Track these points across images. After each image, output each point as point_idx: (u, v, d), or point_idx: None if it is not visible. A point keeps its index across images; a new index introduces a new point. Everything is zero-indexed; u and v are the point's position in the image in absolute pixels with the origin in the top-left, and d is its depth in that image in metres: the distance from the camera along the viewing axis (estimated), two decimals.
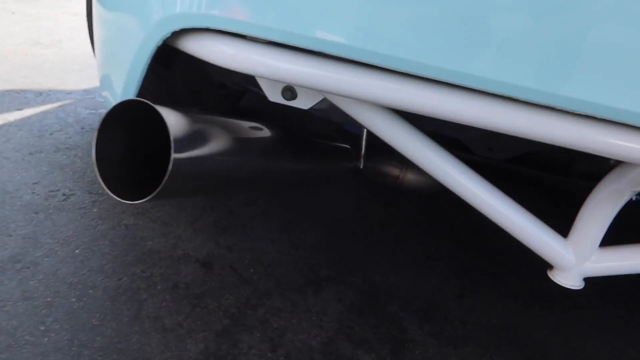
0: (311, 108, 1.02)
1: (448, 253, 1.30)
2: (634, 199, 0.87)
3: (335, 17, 0.69)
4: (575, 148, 0.69)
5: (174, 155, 0.66)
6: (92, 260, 1.01)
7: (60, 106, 1.72)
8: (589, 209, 0.87)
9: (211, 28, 0.79)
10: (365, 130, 1.27)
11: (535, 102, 0.62)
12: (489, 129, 0.68)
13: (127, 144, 0.75)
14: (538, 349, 1.01)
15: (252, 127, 0.90)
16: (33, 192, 1.19)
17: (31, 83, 1.87)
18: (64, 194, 1.21)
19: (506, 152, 0.96)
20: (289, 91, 1.00)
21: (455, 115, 0.69)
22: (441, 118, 0.71)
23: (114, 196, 0.68)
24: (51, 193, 1.20)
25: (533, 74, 0.62)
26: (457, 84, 0.66)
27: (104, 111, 1.69)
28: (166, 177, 0.66)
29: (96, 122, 1.64)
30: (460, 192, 0.91)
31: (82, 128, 1.58)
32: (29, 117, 1.58)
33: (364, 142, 1.30)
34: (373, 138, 1.72)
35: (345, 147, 1.29)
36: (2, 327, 0.82)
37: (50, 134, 1.50)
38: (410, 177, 1.49)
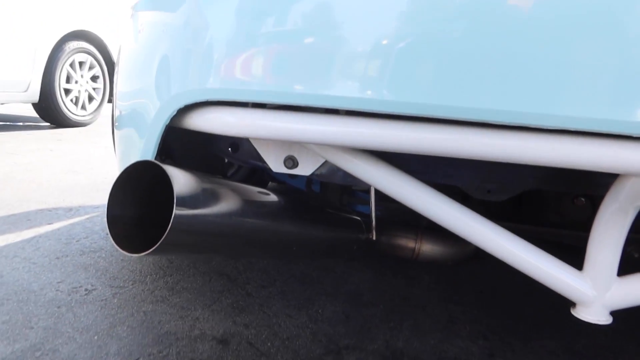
0: (313, 174, 1.08)
1: (473, 317, 1.25)
2: None
3: (343, 74, 0.76)
4: (564, 166, 0.71)
5: (176, 210, 0.71)
6: (109, 344, 1.01)
7: (88, 218, 1.82)
8: (597, 235, 0.86)
9: (210, 101, 0.88)
10: (373, 201, 1.30)
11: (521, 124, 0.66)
12: (484, 158, 0.71)
13: (139, 205, 0.80)
14: None
15: (257, 192, 0.95)
16: (57, 290, 1.23)
17: (62, 202, 2.00)
18: (86, 290, 1.24)
19: (504, 193, 0.97)
20: (291, 160, 1.06)
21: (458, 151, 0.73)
22: (445, 155, 0.74)
23: (118, 248, 0.72)
24: (74, 289, 1.24)
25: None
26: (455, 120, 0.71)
27: None
28: (168, 230, 0.70)
29: None
30: (470, 236, 0.92)
31: (107, 234, 1.65)
32: (58, 229, 1.67)
33: (373, 213, 1.32)
34: (386, 214, 1.75)
35: (356, 219, 1.32)
36: None
37: (77, 241, 1.57)
38: (426, 248, 1.48)
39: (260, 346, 1.05)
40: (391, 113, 0.74)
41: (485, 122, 0.69)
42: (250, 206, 0.89)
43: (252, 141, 1.08)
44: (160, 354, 0.99)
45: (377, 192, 1.49)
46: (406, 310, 1.26)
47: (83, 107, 4.39)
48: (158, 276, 1.35)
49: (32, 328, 1.05)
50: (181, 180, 0.75)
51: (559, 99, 0.65)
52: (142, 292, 1.25)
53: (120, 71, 1.21)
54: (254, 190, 0.93)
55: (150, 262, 1.45)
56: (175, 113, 0.90)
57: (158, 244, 0.71)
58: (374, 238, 1.36)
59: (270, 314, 1.19)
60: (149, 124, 0.96)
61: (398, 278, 1.45)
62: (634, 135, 0.67)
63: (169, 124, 0.93)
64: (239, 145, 1.09)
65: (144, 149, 0.99)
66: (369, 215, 1.40)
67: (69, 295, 1.21)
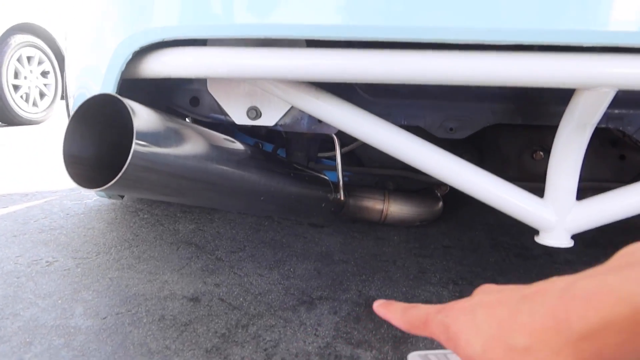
0: (277, 124, 1.07)
1: (443, 267, 1.27)
2: None
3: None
4: (526, 85, 0.72)
5: (135, 145, 0.69)
6: (74, 307, 0.98)
7: (46, 201, 1.75)
8: (555, 160, 0.88)
9: (167, 40, 0.86)
10: (339, 157, 1.30)
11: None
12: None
13: (98, 145, 0.77)
14: None
15: (224, 138, 0.93)
16: (16, 263, 1.18)
17: (18, 189, 1.92)
18: (47, 262, 1.20)
19: (466, 129, 0.99)
20: (254, 110, 1.05)
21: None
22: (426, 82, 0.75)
23: (75, 183, 0.69)
24: (34, 262, 1.19)
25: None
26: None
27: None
28: (126, 164, 0.68)
29: (81, 210, 1.66)
30: (435, 170, 0.93)
31: (67, 214, 1.60)
32: (14, 212, 1.60)
33: (339, 171, 1.32)
34: (354, 180, 1.75)
35: (324, 177, 1.31)
36: None
37: (35, 221, 1.51)
38: (394, 209, 1.50)
39: (232, 301, 1.03)
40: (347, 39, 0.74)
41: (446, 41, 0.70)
42: (216, 151, 0.87)
43: (212, 93, 1.06)
44: (129, 312, 0.96)
45: (344, 157, 1.49)
46: (377, 265, 1.26)
47: (34, 104, 4.22)
48: (123, 247, 1.31)
49: None
50: (143, 116, 0.72)
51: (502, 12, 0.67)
52: (107, 261, 1.21)
53: (71, 38, 1.17)
54: (220, 137, 0.92)
55: (115, 235, 1.40)
56: (130, 57, 0.88)
57: (116, 178, 0.68)
58: (342, 198, 1.36)
59: (241, 274, 1.17)
60: (104, 76, 0.93)
61: (368, 239, 1.46)
62: (584, 45, 0.69)
63: (124, 70, 0.90)
64: (199, 99, 1.07)
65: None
66: (336, 182, 1.40)
67: (29, 267, 1.16)
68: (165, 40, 0.84)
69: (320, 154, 1.63)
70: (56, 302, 0.99)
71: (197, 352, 0.84)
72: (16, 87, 4.01)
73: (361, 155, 1.60)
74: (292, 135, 1.48)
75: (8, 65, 3.87)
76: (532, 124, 0.94)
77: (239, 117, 1.04)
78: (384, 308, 0.38)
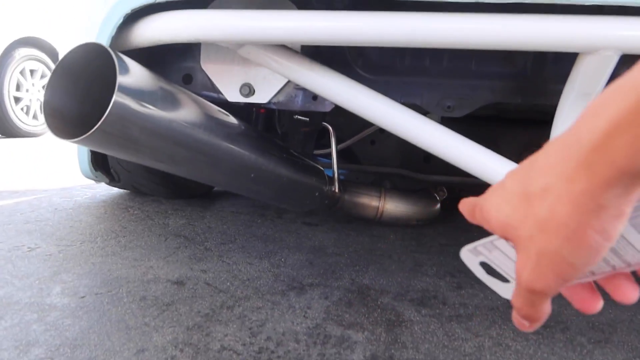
0: (270, 102, 1.04)
1: (440, 262, 1.23)
2: None
3: None
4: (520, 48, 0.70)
5: (116, 96, 0.66)
6: (51, 287, 0.93)
7: (34, 198, 1.71)
8: (557, 132, 0.85)
9: (157, 3, 0.84)
10: (334, 148, 1.27)
11: None
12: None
13: (83, 98, 0.74)
14: (554, 318, 0.91)
15: (217, 110, 0.90)
16: None
17: (6, 187, 1.89)
18: (29, 248, 1.15)
19: (464, 108, 0.96)
20: (247, 87, 1.03)
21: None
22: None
23: (52, 132, 0.66)
24: (15, 247, 1.15)
25: None
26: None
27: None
28: (105, 115, 0.65)
29: (70, 205, 1.62)
30: (440, 150, 0.90)
31: (55, 209, 1.56)
32: (1, 206, 1.56)
33: (335, 164, 1.29)
34: (350, 176, 1.72)
35: (319, 168, 1.28)
36: None
37: (22, 214, 1.47)
38: (390, 206, 1.46)
39: (219, 285, 0.98)
40: None
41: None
42: (206, 118, 0.84)
43: (205, 70, 1.04)
44: (109, 293, 0.92)
45: (340, 154, 1.46)
46: (372, 258, 1.22)
47: (34, 117, 4.22)
48: (109, 237, 1.27)
49: None
50: (131, 69, 0.70)
51: None
52: (91, 249, 1.17)
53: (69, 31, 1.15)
54: (213, 107, 0.89)
55: (102, 227, 1.36)
56: (121, 20, 0.86)
57: (94, 128, 0.65)
58: (337, 191, 1.33)
59: (229, 262, 1.13)
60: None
61: (363, 236, 1.41)
62: (587, 4, 0.67)
63: (115, 35, 0.88)
64: (192, 76, 1.04)
65: None
66: (332, 176, 1.36)
67: (10, 252, 1.12)
68: (157, 2, 0.82)
69: (316, 152, 1.60)
70: (33, 282, 0.95)
71: (177, 329, 0.79)
72: (17, 100, 4.02)
73: (358, 153, 1.57)
74: (288, 129, 1.45)
75: (10, 77, 3.89)
76: (532, 102, 0.91)
77: (232, 94, 1.02)
78: (461, 204, 0.37)
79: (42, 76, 4.27)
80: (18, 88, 4.04)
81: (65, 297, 0.89)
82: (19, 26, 3.93)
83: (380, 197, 1.45)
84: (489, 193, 0.32)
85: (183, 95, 0.81)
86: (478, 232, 1.08)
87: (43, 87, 4.24)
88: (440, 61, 0.95)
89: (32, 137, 4.23)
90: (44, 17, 4.16)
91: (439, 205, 1.57)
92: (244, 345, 0.75)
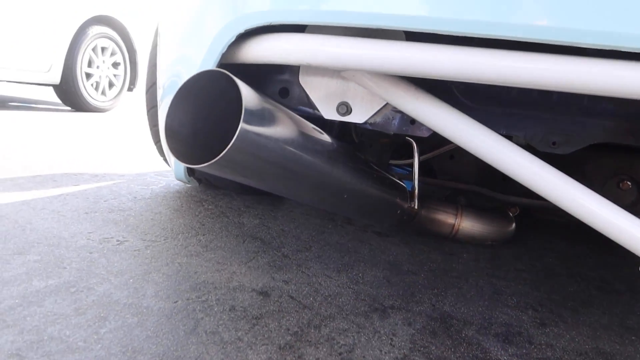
0: (366, 122, 1.03)
1: (519, 291, 1.20)
2: None
3: None
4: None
5: (242, 124, 0.67)
6: (145, 287, 0.97)
7: (114, 183, 1.78)
8: None
9: (271, 25, 0.84)
10: (416, 165, 1.26)
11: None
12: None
13: (202, 119, 0.76)
14: None
15: (314, 128, 0.90)
16: (88, 239, 1.19)
17: (88, 169, 1.97)
18: (117, 240, 1.20)
19: (571, 145, 0.92)
20: (344, 106, 1.02)
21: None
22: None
23: (176, 159, 0.67)
24: (105, 239, 1.20)
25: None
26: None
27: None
28: (231, 143, 0.66)
29: (148, 194, 1.68)
30: (536, 184, 0.87)
31: (135, 197, 1.62)
32: (85, 190, 1.63)
33: (416, 180, 1.28)
34: (426, 191, 1.70)
35: (401, 184, 1.27)
36: (54, 336, 0.77)
37: (105, 201, 1.53)
38: (466, 224, 1.44)
39: (303, 300, 1.00)
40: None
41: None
42: (310, 140, 0.85)
43: (303, 85, 1.04)
44: (200, 299, 0.95)
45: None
46: (449, 280, 1.20)
47: (103, 93, 4.38)
48: (190, 235, 1.31)
49: (65, 268, 1.01)
50: (250, 95, 0.71)
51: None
52: (174, 247, 1.21)
53: (164, 31, 1.18)
54: (312, 127, 0.89)
55: (181, 222, 1.40)
56: (233, 39, 0.86)
57: (218, 157, 0.66)
58: (416, 207, 1.31)
59: (309, 274, 1.14)
60: (202, 59, 0.92)
61: (436, 254, 1.40)
62: None
63: (225, 53, 0.89)
64: (289, 90, 1.05)
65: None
66: (412, 191, 1.35)
67: (101, 244, 1.17)
68: (271, 24, 0.82)
69: (391, 161, 1.59)
70: (128, 280, 0.99)
71: (270, 347, 0.81)
72: (88, 76, 4.18)
73: (435, 166, 1.55)
74: (366, 139, 1.44)
75: (84, 54, 4.04)
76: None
77: (328, 112, 1.02)
78: None
79: (112, 54, 4.41)
80: (90, 64, 4.19)
81: (160, 300, 0.92)
82: (93, 4, 4.05)
83: (457, 214, 1.42)
84: None
85: (290, 118, 0.81)
86: (555, 258, 1.05)
87: (112, 64, 4.38)
88: (550, 95, 0.91)
89: (99, 112, 4.39)
90: None
91: (514, 225, 1.53)
92: None
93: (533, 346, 0.93)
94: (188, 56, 0.99)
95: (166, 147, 0.70)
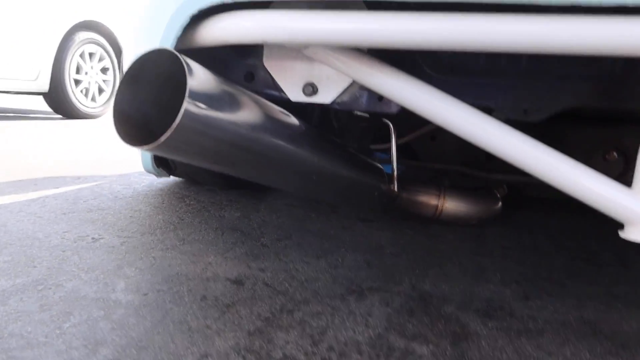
0: (334, 102, 1.01)
1: (503, 266, 1.17)
2: None
3: None
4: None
5: (186, 103, 0.64)
6: (116, 282, 0.95)
7: (96, 184, 1.76)
8: None
9: (226, 3, 0.82)
10: (394, 146, 1.23)
11: None
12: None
13: (150, 102, 0.73)
14: (632, 341, 0.85)
15: (279, 111, 0.88)
16: (62, 238, 1.17)
17: (70, 172, 1.95)
18: (92, 238, 1.18)
19: (542, 112, 0.90)
20: (310, 86, 1.00)
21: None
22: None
23: (122, 140, 0.65)
24: (80, 238, 1.18)
25: None
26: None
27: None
28: (175, 123, 0.64)
29: (129, 193, 1.66)
30: (508, 154, 0.85)
31: (115, 197, 1.60)
32: (65, 192, 1.62)
33: (394, 161, 1.25)
34: (408, 173, 1.67)
35: (378, 166, 1.25)
36: (15, 332, 0.75)
37: (84, 201, 1.51)
38: (450, 205, 1.41)
39: (278, 286, 0.98)
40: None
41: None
42: (271, 122, 0.82)
43: (268, 68, 1.02)
44: (171, 290, 0.93)
45: (398, 149, 1.41)
46: (431, 261, 1.18)
47: (93, 99, 4.37)
48: (168, 229, 1.29)
49: (35, 267, 0.99)
50: (199, 75, 0.68)
51: None
52: (151, 241, 1.19)
53: (131, 28, 1.16)
54: (276, 108, 0.87)
55: (161, 218, 1.38)
56: (188, 21, 0.84)
57: (164, 136, 0.64)
58: (396, 189, 1.29)
59: (286, 260, 1.12)
60: (159, 43, 0.90)
61: (420, 236, 1.37)
62: None
63: (180, 36, 0.87)
64: (254, 74, 1.03)
65: None
66: (390, 173, 1.33)
67: (75, 242, 1.15)
68: (225, 2, 0.80)
69: (372, 146, 1.56)
70: (98, 276, 0.97)
71: (239, 333, 0.79)
72: (77, 82, 4.16)
73: (417, 149, 1.52)
74: (345, 124, 1.42)
75: (71, 60, 4.02)
76: (621, 107, 0.84)
77: (295, 94, 0.99)
78: None
79: (100, 59, 4.39)
80: (78, 71, 4.17)
81: (130, 293, 0.90)
82: (79, 10, 4.04)
83: (439, 195, 1.40)
84: None
85: (247, 98, 0.79)
86: (542, 234, 1.04)
87: (101, 69, 4.36)
88: (518, 61, 0.89)
89: (90, 118, 4.38)
90: (102, 1, 4.26)
91: (500, 204, 1.50)
92: (307, 354, 0.74)
93: (514, 319, 0.90)
94: (148, 40, 0.97)
95: (115, 130, 0.68)
